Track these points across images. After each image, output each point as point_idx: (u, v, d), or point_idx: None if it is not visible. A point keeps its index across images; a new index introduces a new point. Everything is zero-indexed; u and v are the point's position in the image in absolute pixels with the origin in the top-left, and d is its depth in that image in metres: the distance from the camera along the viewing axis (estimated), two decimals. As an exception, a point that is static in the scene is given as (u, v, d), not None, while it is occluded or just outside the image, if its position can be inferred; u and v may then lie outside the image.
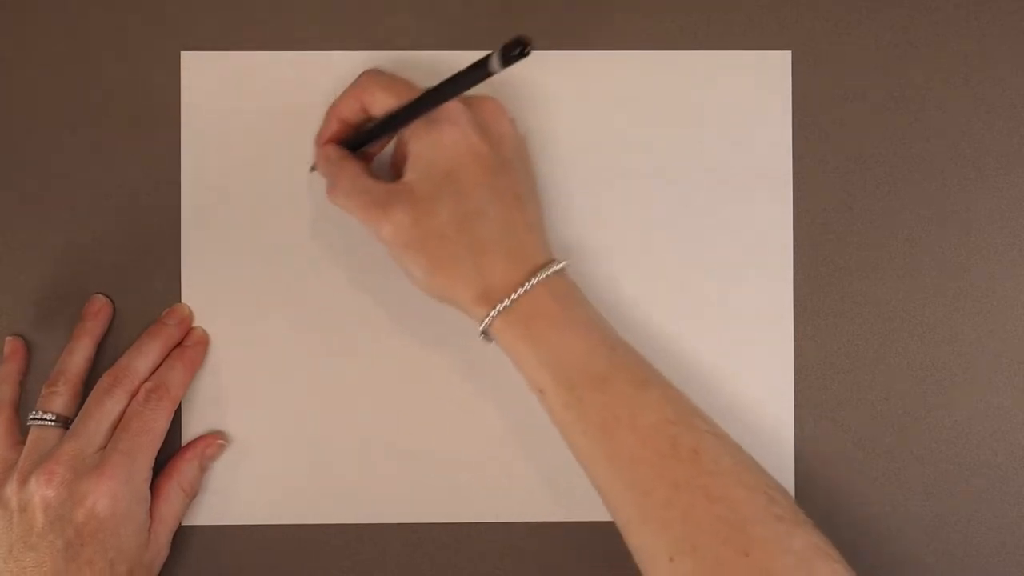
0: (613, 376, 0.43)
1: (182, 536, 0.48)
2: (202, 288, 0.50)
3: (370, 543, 0.49)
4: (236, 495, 0.49)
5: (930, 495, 0.50)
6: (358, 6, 0.50)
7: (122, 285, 0.50)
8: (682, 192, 0.50)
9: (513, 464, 0.49)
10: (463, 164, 0.43)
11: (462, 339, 0.49)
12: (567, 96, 0.50)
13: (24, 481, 0.44)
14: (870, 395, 0.50)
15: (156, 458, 0.47)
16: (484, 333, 0.44)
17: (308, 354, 0.50)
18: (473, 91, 0.42)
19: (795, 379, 0.50)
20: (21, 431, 0.48)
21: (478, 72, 0.40)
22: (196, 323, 0.50)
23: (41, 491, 0.44)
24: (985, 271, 0.50)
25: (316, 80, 0.50)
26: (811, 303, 0.50)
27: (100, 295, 0.49)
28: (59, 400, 0.47)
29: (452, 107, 0.44)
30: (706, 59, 0.50)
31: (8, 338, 0.49)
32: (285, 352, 0.50)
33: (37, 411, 0.47)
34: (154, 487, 0.47)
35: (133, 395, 0.47)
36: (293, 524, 0.49)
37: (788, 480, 0.50)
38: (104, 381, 0.47)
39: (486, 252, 0.43)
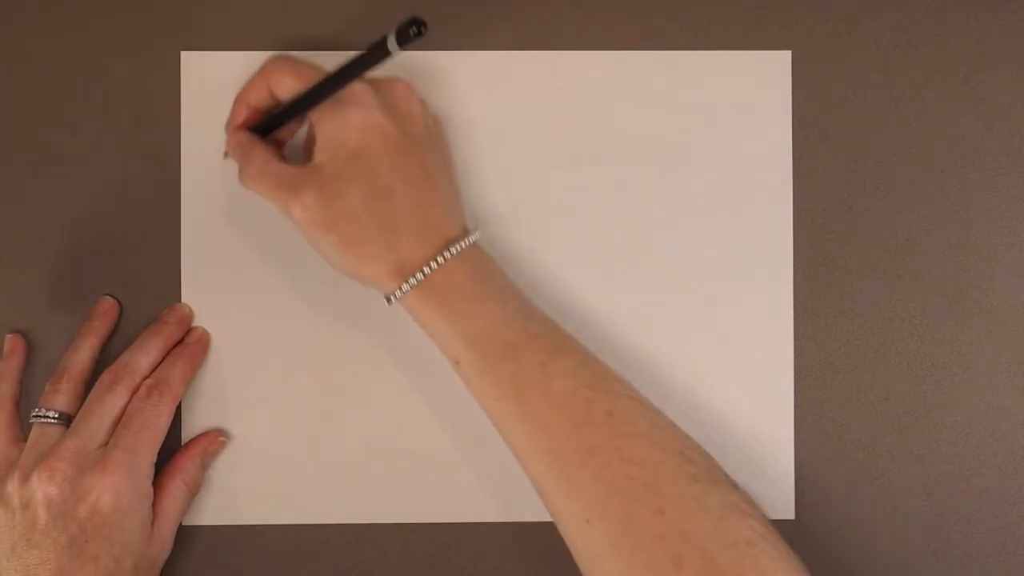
0: (527, 344, 0.43)
1: (183, 536, 0.48)
2: (202, 288, 0.50)
3: (370, 543, 0.49)
4: (236, 495, 0.49)
5: (930, 495, 0.50)
6: (358, 6, 0.50)
7: (122, 284, 0.50)
8: (682, 192, 0.50)
9: (513, 464, 0.49)
10: (370, 144, 0.44)
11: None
12: (567, 96, 0.50)
13: (26, 478, 0.44)
14: (870, 395, 0.50)
15: (158, 455, 0.47)
16: (388, 299, 0.44)
17: (308, 354, 0.50)
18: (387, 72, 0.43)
19: (795, 379, 0.50)
20: (22, 428, 0.48)
21: (377, 53, 0.42)
22: (196, 323, 0.50)
23: (43, 488, 0.44)
24: (985, 271, 0.50)
25: (316, 80, 0.50)
26: (811, 303, 0.50)
27: (109, 296, 0.49)
28: (62, 398, 0.47)
29: (359, 89, 0.44)
30: (706, 59, 0.50)
31: (8, 335, 0.49)
32: (285, 352, 0.50)
33: (40, 408, 0.47)
34: (157, 483, 0.47)
35: (134, 392, 0.47)
36: (293, 524, 0.49)
37: (788, 480, 0.50)
38: (105, 378, 0.47)
39: (397, 230, 0.44)
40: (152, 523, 0.46)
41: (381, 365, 0.50)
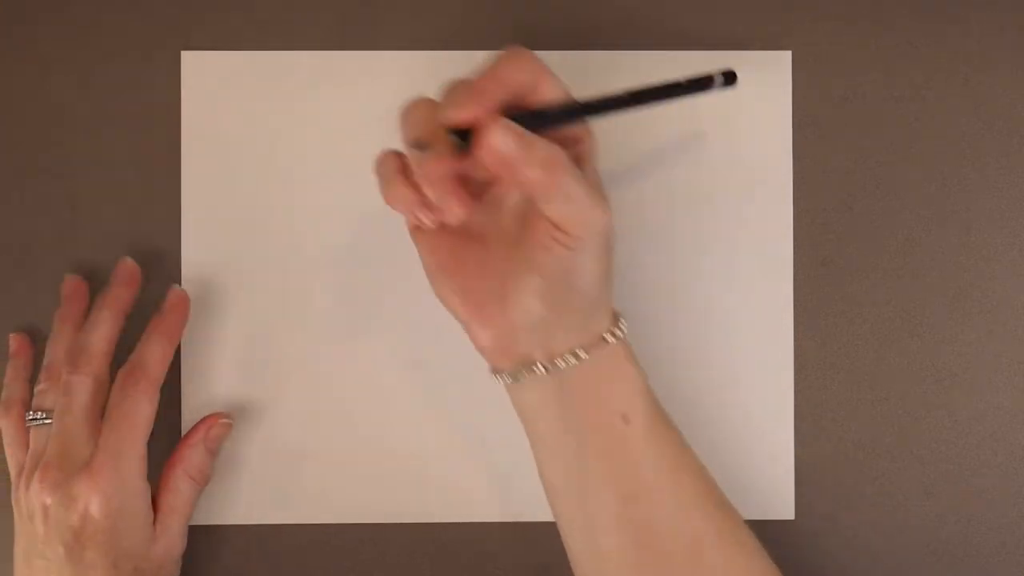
0: (665, 414, 0.43)
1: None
2: (202, 288, 0.50)
3: (370, 543, 0.49)
4: (236, 495, 0.49)
5: (930, 495, 0.50)
6: (358, 6, 0.50)
7: (122, 285, 0.50)
8: (682, 192, 0.50)
9: (513, 464, 0.49)
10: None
11: (463, 339, 0.49)
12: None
13: (28, 486, 0.44)
14: (870, 395, 0.50)
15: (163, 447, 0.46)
16: (613, 335, 0.42)
17: (308, 354, 0.50)
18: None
19: (795, 379, 0.50)
20: None
21: (699, 86, 0.41)
22: (193, 322, 0.49)
23: (39, 497, 0.43)
24: (985, 271, 0.50)
25: (316, 80, 0.50)
26: (811, 303, 0.50)
27: (74, 275, 0.47)
28: (50, 396, 0.45)
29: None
30: (706, 59, 0.50)
31: (12, 335, 0.49)
32: (284, 352, 0.50)
33: (31, 411, 0.46)
34: (160, 478, 0.46)
35: (101, 374, 0.44)
36: (293, 524, 0.49)
37: (788, 480, 0.50)
38: (63, 370, 0.44)
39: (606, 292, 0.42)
40: (154, 521, 0.45)
41: (382, 365, 0.50)
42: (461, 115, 0.35)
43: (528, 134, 0.36)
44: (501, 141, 0.35)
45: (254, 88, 0.50)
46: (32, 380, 0.48)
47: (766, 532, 0.49)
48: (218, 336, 0.50)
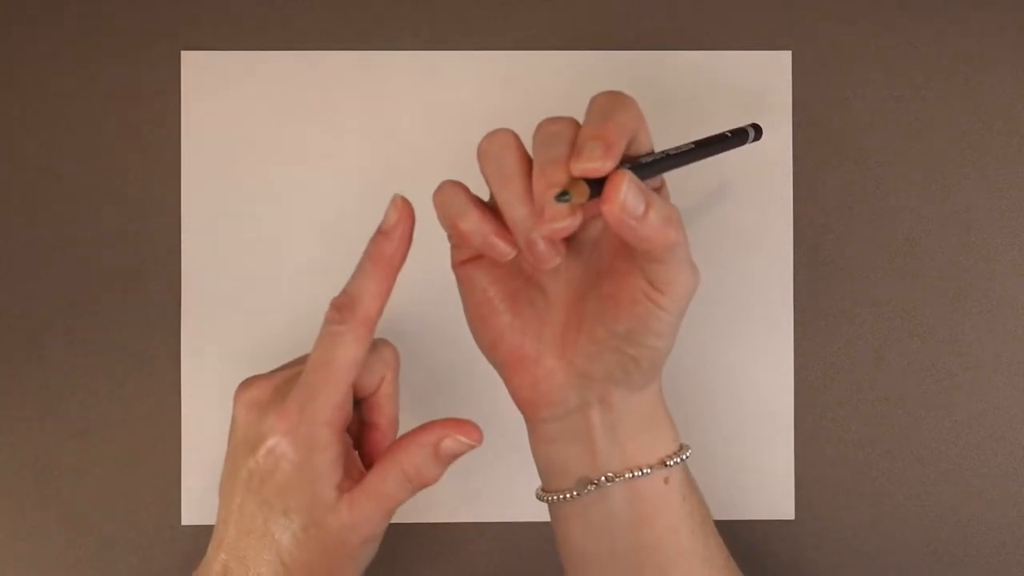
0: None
1: (183, 536, 0.48)
2: (202, 288, 0.50)
3: (370, 543, 0.49)
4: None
5: (930, 495, 0.50)
6: (358, 6, 0.50)
7: (121, 285, 0.50)
8: (682, 192, 0.50)
9: (513, 464, 0.49)
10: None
11: (463, 339, 0.49)
12: (567, 96, 0.50)
13: (238, 395, 0.40)
14: (870, 395, 0.50)
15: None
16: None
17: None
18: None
19: (795, 379, 0.50)
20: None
21: (736, 140, 0.43)
22: (195, 323, 0.49)
23: (242, 411, 0.39)
24: (985, 271, 0.50)
25: (316, 80, 0.50)
26: (811, 303, 0.50)
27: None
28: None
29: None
30: (706, 59, 0.50)
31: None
32: (285, 352, 0.50)
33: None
34: (381, 456, 0.40)
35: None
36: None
37: (788, 480, 0.50)
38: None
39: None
40: (345, 491, 0.39)
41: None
42: (600, 168, 0.34)
43: (650, 192, 0.35)
44: (633, 199, 0.34)
45: (254, 88, 0.50)
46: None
47: (766, 532, 0.49)
48: (218, 335, 0.50)
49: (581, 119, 0.38)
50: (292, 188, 0.50)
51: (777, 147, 0.50)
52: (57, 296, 0.50)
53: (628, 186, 0.34)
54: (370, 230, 0.50)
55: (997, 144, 0.50)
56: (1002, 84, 0.50)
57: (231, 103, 0.50)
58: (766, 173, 0.50)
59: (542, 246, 0.36)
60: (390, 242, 0.38)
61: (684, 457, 0.40)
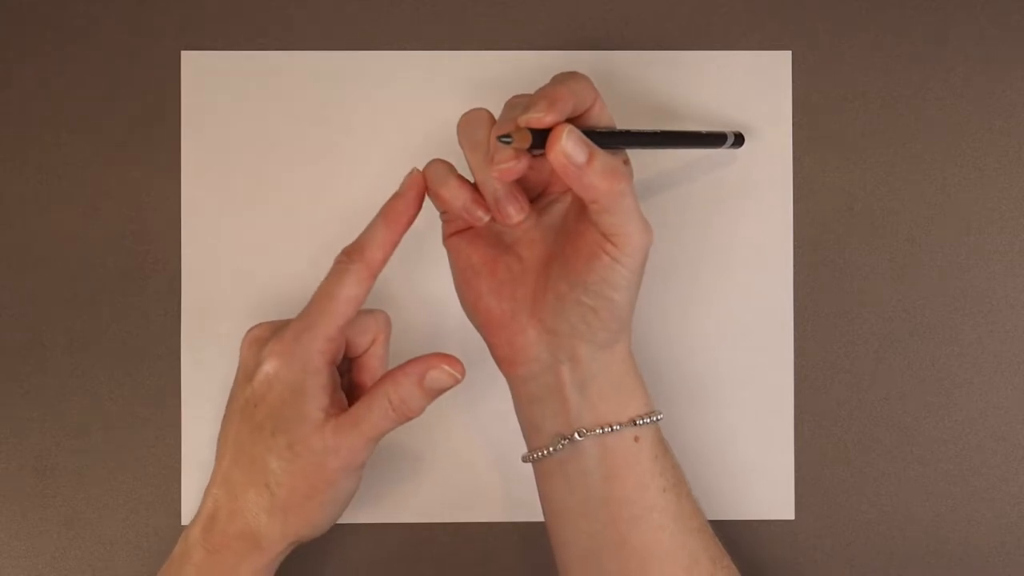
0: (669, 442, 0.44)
1: (168, 536, 0.48)
2: (202, 288, 0.50)
3: (370, 543, 0.49)
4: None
5: (930, 495, 0.50)
6: (358, 6, 0.50)
7: (121, 286, 0.50)
8: (682, 192, 0.50)
9: (513, 464, 0.49)
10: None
11: (464, 339, 0.49)
12: (567, 96, 0.50)
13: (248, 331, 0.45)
14: (870, 395, 0.50)
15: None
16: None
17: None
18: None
19: (795, 379, 0.50)
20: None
21: (712, 141, 0.46)
22: (196, 321, 0.49)
23: (246, 345, 0.44)
24: (985, 271, 0.50)
25: (316, 80, 0.50)
26: (811, 303, 0.50)
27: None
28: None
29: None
30: (706, 59, 0.50)
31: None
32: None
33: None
34: (370, 387, 0.43)
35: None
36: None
37: (788, 480, 0.50)
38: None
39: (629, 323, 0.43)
40: (331, 418, 0.42)
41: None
42: (543, 119, 0.38)
43: (593, 145, 0.39)
44: (573, 146, 0.38)
45: (254, 88, 0.50)
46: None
47: (766, 532, 0.49)
48: (218, 335, 0.50)
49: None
50: (292, 188, 0.50)
51: (777, 147, 0.50)
52: (57, 296, 0.50)
53: (568, 135, 0.38)
54: (370, 230, 0.50)
55: (997, 144, 0.50)
56: (1002, 84, 0.50)
57: (231, 103, 0.50)
58: (766, 173, 0.50)
59: (505, 202, 0.41)
60: (403, 201, 0.43)
61: (655, 419, 0.42)
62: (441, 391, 0.43)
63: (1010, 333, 0.50)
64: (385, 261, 0.42)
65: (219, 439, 0.44)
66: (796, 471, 0.50)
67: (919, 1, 0.50)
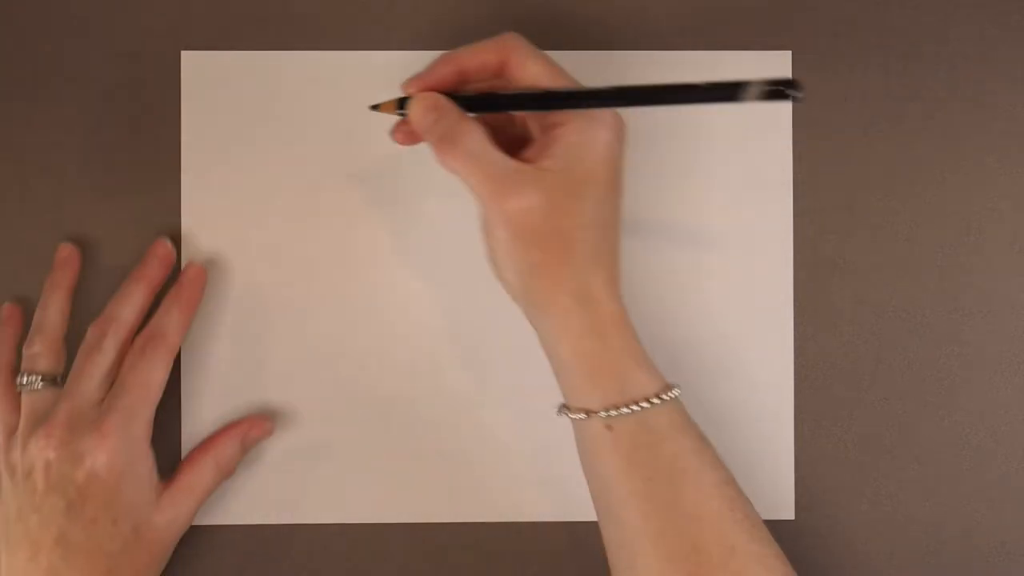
0: (685, 428, 0.42)
1: (183, 536, 0.48)
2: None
3: (370, 543, 0.49)
4: (237, 495, 0.49)
5: (930, 495, 0.50)
6: (358, 6, 0.50)
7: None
8: (682, 192, 0.50)
9: (514, 464, 0.49)
10: (606, 172, 0.41)
11: (465, 339, 0.49)
12: (567, 96, 0.50)
13: (25, 445, 0.45)
14: (870, 395, 0.50)
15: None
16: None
17: (309, 353, 0.50)
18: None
19: (795, 379, 0.50)
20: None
21: (723, 93, 0.38)
22: (194, 322, 0.50)
23: (41, 454, 0.44)
24: (985, 271, 0.50)
25: (316, 80, 0.50)
26: (811, 303, 0.50)
27: (67, 243, 0.49)
28: (42, 360, 0.47)
29: (619, 118, 0.42)
30: (706, 59, 0.50)
31: (6, 304, 0.49)
32: (286, 352, 0.50)
33: (23, 374, 0.46)
34: (188, 456, 0.48)
35: (124, 345, 0.46)
36: (294, 524, 0.49)
37: (788, 480, 0.50)
38: (90, 335, 0.46)
39: (599, 269, 0.42)
40: (157, 487, 0.46)
41: (382, 365, 0.50)
42: (407, 88, 0.43)
43: (448, 112, 0.42)
44: (414, 112, 0.42)
45: (254, 88, 0.50)
46: (18, 350, 0.48)
47: (766, 532, 0.49)
48: (218, 335, 0.50)
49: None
50: (292, 187, 0.50)
51: (777, 147, 0.50)
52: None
53: (414, 105, 0.42)
54: (371, 228, 0.50)
55: (997, 144, 0.50)
56: (1002, 84, 0.50)
57: (231, 103, 0.50)
58: (766, 173, 0.50)
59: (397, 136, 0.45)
60: (190, 290, 0.48)
61: (629, 410, 0.42)
62: (256, 444, 0.49)
63: (1010, 333, 0.50)
64: (180, 343, 0.47)
65: (21, 551, 0.44)
66: (796, 471, 0.50)
67: (919, 1, 0.50)
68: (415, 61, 0.50)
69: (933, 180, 0.50)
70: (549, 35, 0.50)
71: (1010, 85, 0.50)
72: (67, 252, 0.49)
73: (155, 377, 0.46)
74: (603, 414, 0.41)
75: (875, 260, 0.50)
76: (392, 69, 0.50)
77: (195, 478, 0.47)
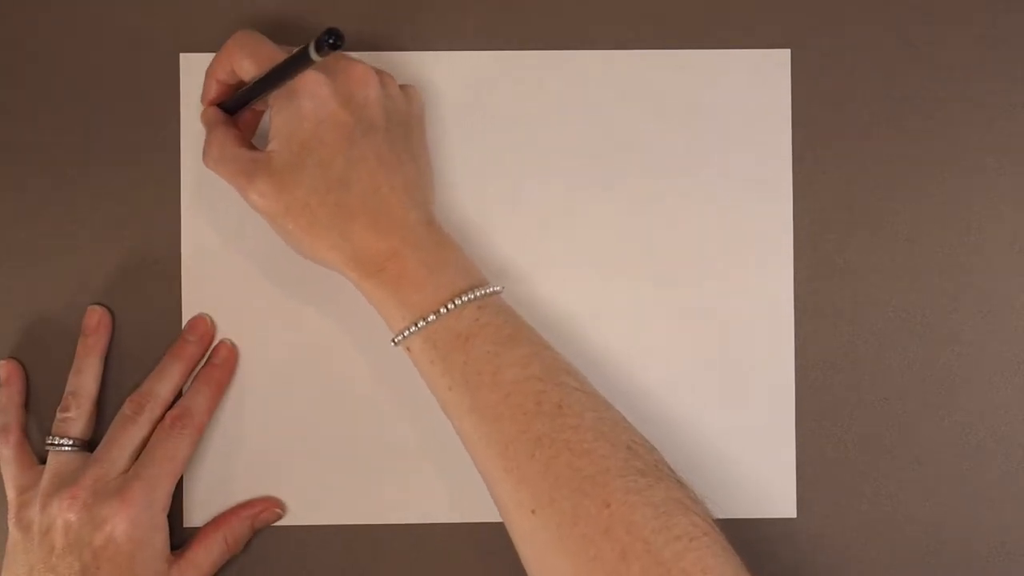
0: (478, 333, 0.43)
1: (184, 536, 0.48)
2: (202, 290, 0.50)
3: (370, 543, 0.49)
4: (237, 495, 0.49)
5: (930, 495, 0.50)
6: (357, 6, 0.50)
7: (121, 288, 0.50)
8: (682, 192, 0.50)
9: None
10: (322, 135, 0.44)
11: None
12: (567, 96, 0.50)
13: (46, 504, 0.45)
14: (870, 395, 0.50)
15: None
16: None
17: (309, 355, 0.50)
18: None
19: (795, 379, 0.50)
20: (34, 452, 0.48)
21: (300, 61, 0.42)
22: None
23: (63, 515, 0.44)
24: (985, 271, 0.50)
25: (316, 80, 0.50)
26: (811, 303, 0.50)
27: (96, 306, 0.49)
28: (75, 425, 0.48)
29: (312, 77, 0.44)
30: (706, 59, 0.50)
31: (1, 362, 0.49)
32: (286, 353, 0.50)
33: (54, 437, 0.47)
34: (199, 532, 0.48)
35: (156, 421, 0.47)
36: (293, 524, 0.49)
37: (789, 480, 0.50)
38: (127, 408, 0.47)
39: (351, 218, 0.44)
40: (168, 559, 0.46)
41: (382, 365, 0.50)
42: (201, 103, 0.48)
43: (206, 123, 0.47)
44: (202, 119, 0.48)
45: (254, 88, 0.50)
46: (25, 404, 0.49)
47: (768, 530, 0.49)
48: (218, 335, 0.50)
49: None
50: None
51: (777, 147, 0.50)
52: (57, 296, 0.50)
53: (202, 115, 0.48)
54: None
55: (997, 144, 0.50)
56: (1002, 84, 0.50)
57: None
58: (766, 173, 0.50)
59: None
60: (222, 371, 0.49)
61: (406, 333, 0.44)
62: (267, 525, 0.49)
63: (1010, 333, 0.50)
64: (208, 421, 0.49)
65: None
66: (797, 470, 0.50)
67: (919, 1, 0.50)
68: (413, 61, 0.50)
69: (933, 180, 0.50)
70: (549, 36, 0.50)
71: (1010, 85, 0.50)
72: (98, 317, 0.49)
73: (181, 453, 0.47)
74: (398, 338, 0.44)
75: (875, 260, 0.50)
76: (390, 69, 0.50)
77: (205, 554, 0.48)
